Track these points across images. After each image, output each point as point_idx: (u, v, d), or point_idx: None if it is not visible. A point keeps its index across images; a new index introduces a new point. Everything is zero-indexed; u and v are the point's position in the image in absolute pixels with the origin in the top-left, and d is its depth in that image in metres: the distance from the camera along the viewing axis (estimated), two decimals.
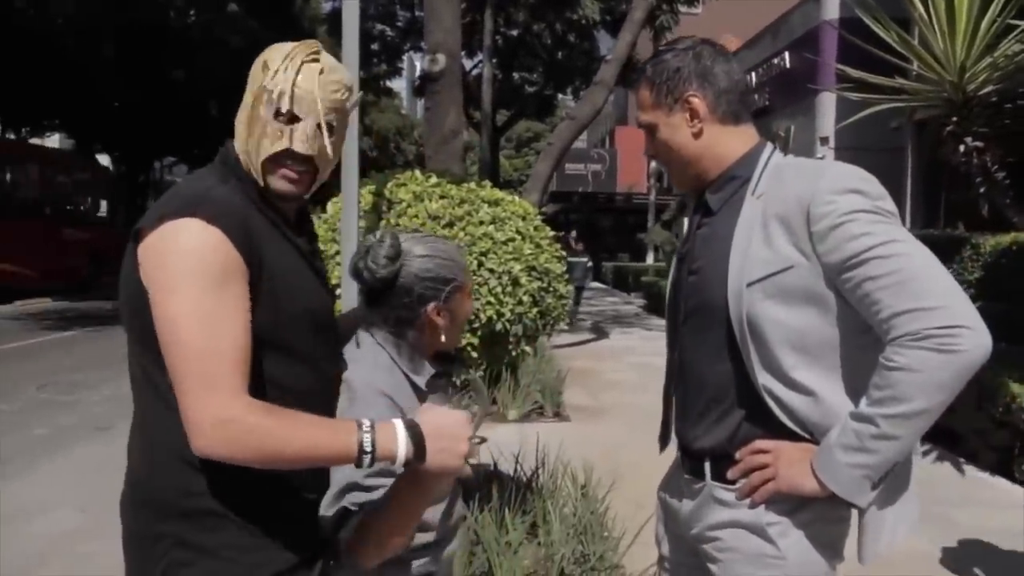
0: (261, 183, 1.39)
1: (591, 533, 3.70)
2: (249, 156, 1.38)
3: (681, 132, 1.64)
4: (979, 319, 1.37)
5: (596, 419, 7.38)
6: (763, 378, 1.52)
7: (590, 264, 18.34)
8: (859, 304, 1.45)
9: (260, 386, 1.33)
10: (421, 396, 1.61)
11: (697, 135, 1.63)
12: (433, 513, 1.62)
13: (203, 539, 1.31)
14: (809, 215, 1.46)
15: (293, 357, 1.38)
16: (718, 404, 1.61)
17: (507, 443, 5.25)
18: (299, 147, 1.36)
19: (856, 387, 1.48)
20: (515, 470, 4.37)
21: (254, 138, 1.37)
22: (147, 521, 1.33)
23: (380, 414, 1.53)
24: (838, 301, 1.48)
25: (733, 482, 1.58)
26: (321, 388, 1.46)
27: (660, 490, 1.86)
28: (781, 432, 1.53)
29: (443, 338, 1.64)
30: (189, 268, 1.24)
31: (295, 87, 1.35)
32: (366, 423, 1.28)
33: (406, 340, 1.62)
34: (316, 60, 1.39)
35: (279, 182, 1.39)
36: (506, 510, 3.65)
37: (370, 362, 1.60)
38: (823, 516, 1.54)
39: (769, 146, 1.65)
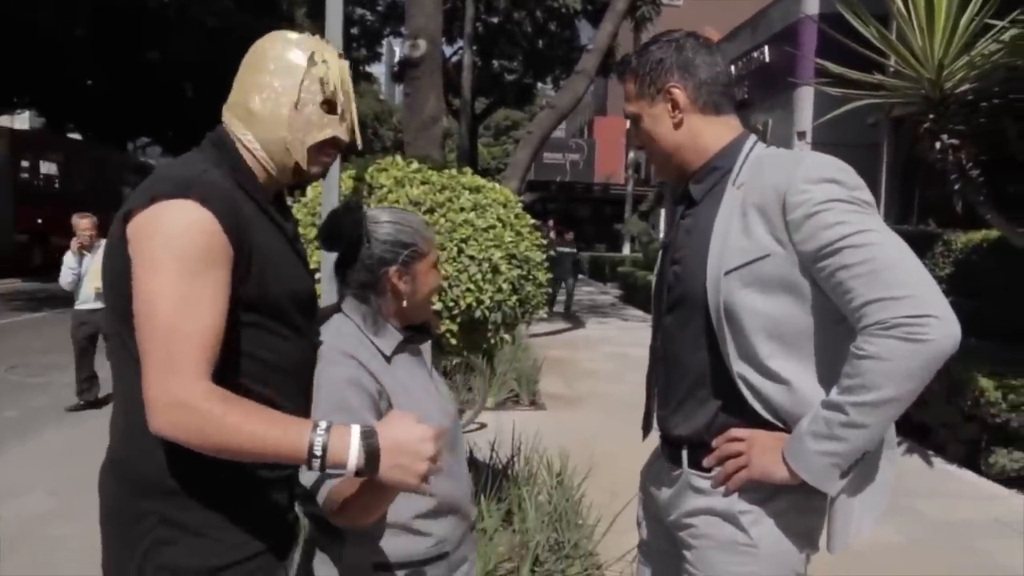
0: (305, 167, 1.47)
1: (566, 521, 3.72)
2: (290, 143, 1.43)
3: (663, 122, 1.66)
4: (948, 309, 1.38)
5: (572, 408, 7.41)
6: (739, 367, 1.53)
7: (579, 255, 17.59)
8: (833, 293, 1.46)
9: (242, 363, 1.34)
10: (387, 360, 1.63)
11: (678, 125, 1.65)
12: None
13: (186, 517, 1.31)
14: (785, 204, 1.47)
15: (277, 336, 1.40)
16: (696, 392, 1.63)
17: (483, 431, 5.26)
18: (346, 136, 1.50)
19: (830, 376, 1.49)
20: (491, 457, 4.38)
21: (297, 125, 1.43)
22: (129, 498, 1.33)
23: (348, 373, 1.54)
24: (814, 290, 1.49)
25: (709, 470, 1.60)
26: (303, 364, 1.49)
27: (642, 475, 1.88)
28: (757, 421, 1.54)
29: (405, 304, 1.66)
30: (174, 248, 1.24)
31: (342, 81, 1.47)
32: (322, 425, 1.26)
33: (370, 306, 1.65)
34: (342, 56, 1.51)
35: (316, 168, 1.49)
36: (481, 497, 3.65)
37: (335, 330, 1.64)
38: (796, 506, 1.55)
39: (752, 137, 1.66)
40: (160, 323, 1.23)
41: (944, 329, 1.36)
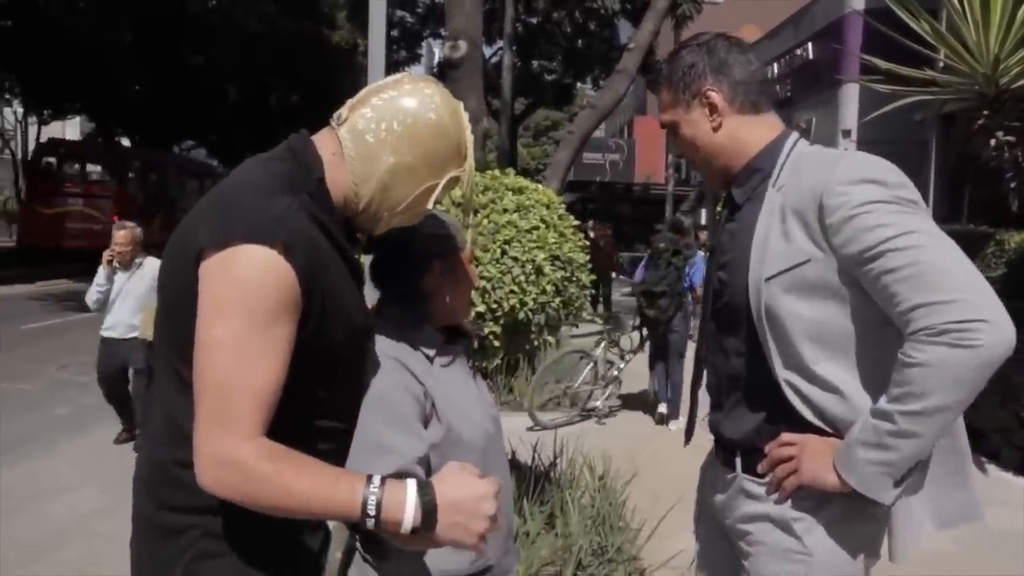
0: (374, 232, 1.44)
1: (609, 525, 3.69)
2: (388, 217, 1.39)
3: (702, 127, 1.63)
4: (1001, 312, 1.31)
5: (614, 409, 7.36)
6: (785, 373, 1.50)
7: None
8: (878, 297, 1.41)
9: (311, 404, 1.32)
10: (430, 361, 1.59)
11: (717, 128, 1.62)
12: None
13: (231, 531, 1.28)
14: (822, 207, 1.43)
15: (339, 370, 1.37)
16: (746, 398, 1.61)
17: (525, 433, 5.25)
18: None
19: (880, 380, 1.44)
20: (533, 459, 4.36)
21: (409, 213, 1.40)
22: (169, 510, 1.31)
23: (394, 378, 1.50)
24: (858, 293, 1.44)
25: (763, 475, 1.57)
26: (356, 399, 1.45)
27: (701, 474, 1.85)
28: (807, 426, 1.50)
29: (448, 300, 1.63)
30: (243, 299, 1.18)
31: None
32: (376, 480, 1.22)
33: (413, 305, 1.62)
34: None
35: (380, 233, 1.47)
36: (524, 500, 3.64)
37: (376, 332, 1.59)
38: (853, 513, 1.51)
39: (793, 135, 1.62)
40: (217, 376, 1.18)
41: (996, 334, 1.30)
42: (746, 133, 1.61)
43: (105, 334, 5.67)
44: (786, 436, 1.53)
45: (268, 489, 1.17)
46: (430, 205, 1.41)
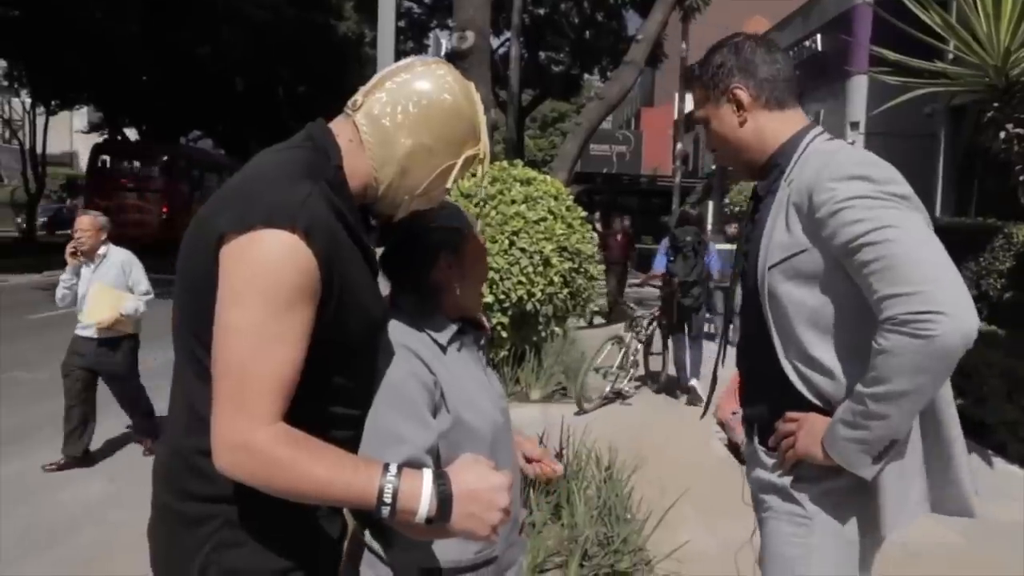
0: (396, 217, 1.43)
1: (615, 515, 3.70)
2: (407, 200, 1.39)
3: (729, 122, 1.76)
4: (961, 305, 1.38)
5: (619, 401, 7.38)
6: (787, 355, 1.63)
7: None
8: (861, 287, 1.51)
9: (328, 392, 1.32)
10: (443, 350, 1.59)
11: (743, 123, 1.74)
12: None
13: (252, 520, 1.29)
14: (811, 202, 1.54)
15: (354, 359, 1.37)
16: (759, 377, 1.76)
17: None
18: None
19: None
20: None
21: (427, 195, 1.40)
22: (190, 499, 1.31)
23: (405, 365, 1.50)
24: (849, 281, 1.53)
25: (773, 448, 1.71)
26: (371, 386, 1.45)
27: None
28: (810, 405, 1.62)
29: (458, 291, 1.63)
30: (263, 283, 1.18)
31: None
32: (392, 468, 1.22)
33: (424, 295, 1.62)
34: None
35: (401, 217, 1.46)
36: (530, 491, 3.65)
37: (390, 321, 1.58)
38: (853, 486, 1.59)
39: (814, 131, 1.72)
40: (235, 360, 1.18)
41: (952, 325, 1.37)
42: (770, 129, 1.73)
43: (77, 331, 5.21)
44: (790, 413, 1.65)
45: (285, 474, 1.18)
46: (449, 185, 1.42)
